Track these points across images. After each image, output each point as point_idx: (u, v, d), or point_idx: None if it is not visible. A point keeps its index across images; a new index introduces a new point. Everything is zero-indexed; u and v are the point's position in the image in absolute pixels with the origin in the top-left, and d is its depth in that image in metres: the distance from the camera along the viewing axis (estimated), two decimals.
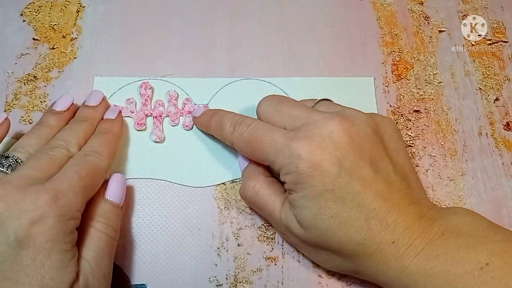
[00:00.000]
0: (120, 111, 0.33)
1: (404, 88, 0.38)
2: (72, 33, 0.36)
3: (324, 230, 0.26)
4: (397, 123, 0.37)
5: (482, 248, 0.24)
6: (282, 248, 0.32)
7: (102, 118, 0.32)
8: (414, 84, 0.38)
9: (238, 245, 0.32)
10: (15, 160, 0.27)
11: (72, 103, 0.32)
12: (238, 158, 0.33)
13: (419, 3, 0.42)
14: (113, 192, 0.29)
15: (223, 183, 0.34)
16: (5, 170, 0.26)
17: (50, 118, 0.31)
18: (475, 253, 0.24)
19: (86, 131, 0.30)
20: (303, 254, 0.32)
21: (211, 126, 0.32)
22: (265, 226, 0.33)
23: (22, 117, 0.33)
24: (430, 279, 0.24)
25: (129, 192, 0.32)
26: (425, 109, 0.38)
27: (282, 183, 0.29)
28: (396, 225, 0.25)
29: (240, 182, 0.34)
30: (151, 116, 0.34)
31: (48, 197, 0.24)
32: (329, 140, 0.26)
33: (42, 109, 0.34)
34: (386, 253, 0.25)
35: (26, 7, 0.37)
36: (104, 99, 0.33)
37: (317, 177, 0.25)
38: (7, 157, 0.27)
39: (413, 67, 0.39)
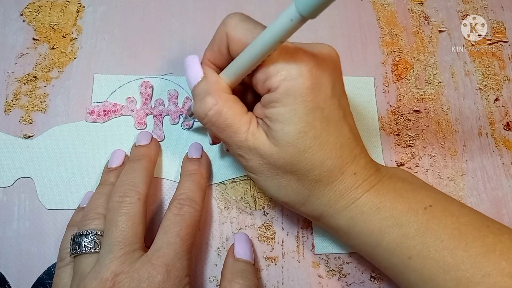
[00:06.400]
0: (203, 151, 0.33)
1: (404, 88, 0.38)
2: (72, 33, 0.36)
3: (302, 150, 0.25)
4: (397, 123, 0.37)
5: (425, 193, 0.26)
6: (282, 248, 0.32)
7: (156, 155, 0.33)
8: (414, 84, 0.38)
9: None
10: (95, 234, 0.26)
11: (126, 156, 0.32)
12: (187, 70, 0.27)
13: (419, 3, 0.42)
14: (243, 251, 0.30)
15: (223, 183, 0.34)
16: (93, 250, 0.26)
17: (109, 176, 0.31)
18: (420, 196, 0.26)
19: (146, 167, 0.30)
20: (303, 254, 0.32)
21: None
22: (265, 226, 0.33)
23: (22, 117, 0.33)
24: (377, 212, 0.25)
25: None
26: (425, 109, 0.38)
27: (243, 98, 0.28)
28: (360, 159, 0.27)
29: (241, 180, 0.34)
30: (151, 115, 0.34)
31: (161, 277, 0.25)
32: (330, 59, 0.26)
33: (42, 109, 0.34)
34: (346, 183, 0.26)
35: (26, 7, 0.37)
36: (153, 138, 0.33)
37: (314, 92, 0.24)
38: (87, 234, 0.27)
39: (413, 67, 0.39)
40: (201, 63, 0.28)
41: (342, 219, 0.26)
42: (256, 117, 0.27)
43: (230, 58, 0.26)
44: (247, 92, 0.30)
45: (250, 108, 0.27)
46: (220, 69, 0.27)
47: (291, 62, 0.24)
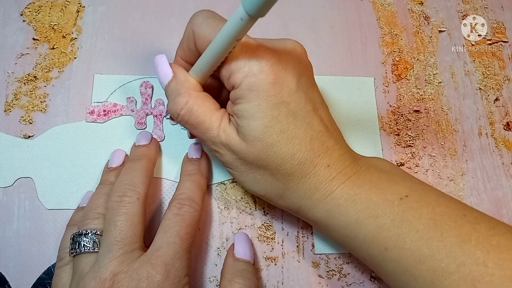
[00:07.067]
0: (203, 151, 0.33)
1: (404, 88, 0.38)
2: (72, 33, 0.36)
3: (270, 144, 0.25)
4: (397, 123, 0.37)
5: (403, 183, 0.26)
6: (282, 248, 0.32)
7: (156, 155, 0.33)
8: (414, 84, 0.38)
9: None
10: (95, 233, 0.27)
11: (126, 155, 0.32)
12: (157, 70, 0.27)
13: (419, 3, 0.42)
14: (243, 250, 0.30)
15: (223, 183, 0.34)
16: (93, 250, 0.26)
17: (109, 176, 0.31)
18: (397, 186, 0.26)
19: (146, 167, 0.30)
20: (303, 254, 0.32)
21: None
22: (265, 226, 0.33)
23: (22, 117, 0.33)
24: (353, 203, 0.25)
25: None
26: (425, 109, 0.38)
27: (220, 94, 0.28)
28: (334, 151, 0.26)
29: None
30: (151, 115, 0.34)
31: (160, 276, 0.24)
32: (293, 53, 0.26)
33: (42, 109, 0.34)
34: (319, 175, 0.26)
35: (26, 7, 0.37)
36: (153, 138, 0.33)
37: (277, 87, 0.25)
38: (86, 233, 0.27)
39: (413, 67, 0.39)
40: (173, 61, 0.28)
41: (320, 212, 0.26)
42: (229, 114, 0.27)
43: (199, 54, 0.26)
44: (224, 89, 0.30)
45: (226, 105, 0.28)
46: (191, 65, 0.28)
47: (253, 59, 0.24)
